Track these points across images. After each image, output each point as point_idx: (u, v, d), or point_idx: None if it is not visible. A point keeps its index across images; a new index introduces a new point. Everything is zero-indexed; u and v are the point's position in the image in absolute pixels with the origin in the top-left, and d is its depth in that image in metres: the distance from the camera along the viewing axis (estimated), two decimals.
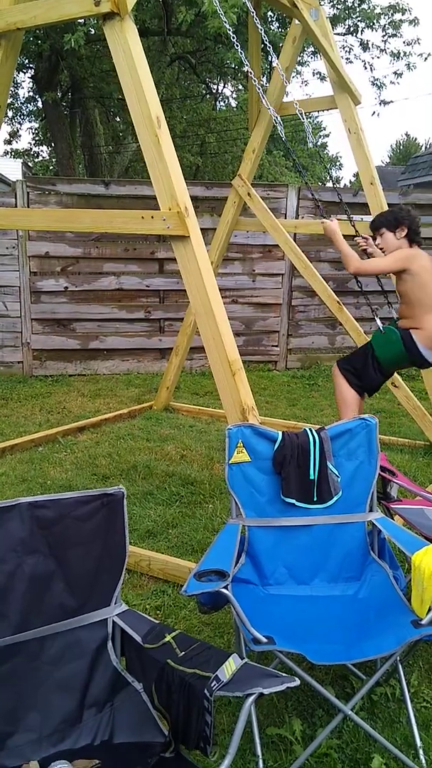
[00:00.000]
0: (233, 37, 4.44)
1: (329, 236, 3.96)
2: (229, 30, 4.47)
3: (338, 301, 5.48)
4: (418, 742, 2.24)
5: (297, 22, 5.14)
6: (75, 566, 1.89)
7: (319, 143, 38.76)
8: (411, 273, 3.57)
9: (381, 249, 3.84)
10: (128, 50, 3.10)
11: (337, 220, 4.13)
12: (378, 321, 4.01)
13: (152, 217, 3.18)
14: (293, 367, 8.63)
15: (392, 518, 3.08)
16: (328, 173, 33.01)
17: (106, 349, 8.12)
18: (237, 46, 4.33)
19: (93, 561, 1.92)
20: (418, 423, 5.28)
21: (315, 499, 2.61)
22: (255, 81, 4.95)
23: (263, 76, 10.32)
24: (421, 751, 2.23)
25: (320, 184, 36.28)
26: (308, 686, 2.13)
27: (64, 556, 1.87)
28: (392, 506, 3.02)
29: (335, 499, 2.61)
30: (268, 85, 5.64)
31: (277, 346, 8.58)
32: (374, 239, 3.88)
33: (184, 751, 1.81)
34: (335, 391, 4.00)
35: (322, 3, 11.97)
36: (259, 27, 4.57)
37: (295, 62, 5.53)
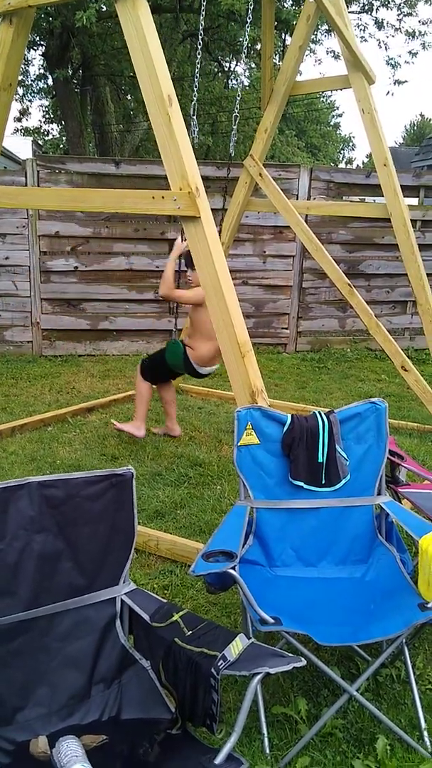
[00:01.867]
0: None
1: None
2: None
3: (349, 284, 5.44)
4: (423, 724, 2.26)
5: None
6: (83, 545, 1.91)
7: (332, 123, 38.42)
8: (199, 308, 4.46)
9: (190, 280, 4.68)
10: (140, 28, 3.06)
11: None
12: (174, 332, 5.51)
13: (163, 197, 3.16)
14: (303, 350, 8.61)
15: (400, 502, 3.09)
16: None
17: (116, 330, 8.12)
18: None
19: (101, 540, 1.94)
20: (428, 407, 5.26)
21: (323, 481, 2.61)
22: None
23: (276, 55, 10.19)
24: (425, 733, 2.25)
25: (333, 164, 36.03)
26: (314, 667, 2.14)
27: (72, 535, 1.89)
28: (400, 490, 3.02)
29: (343, 482, 2.62)
30: (281, 63, 5.57)
31: (287, 328, 8.55)
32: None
33: (190, 728, 1.83)
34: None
35: None
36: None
37: (308, 41, 5.46)
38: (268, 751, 2.17)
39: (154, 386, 5.06)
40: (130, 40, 3.12)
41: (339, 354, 8.41)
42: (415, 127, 43.67)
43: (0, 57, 3.55)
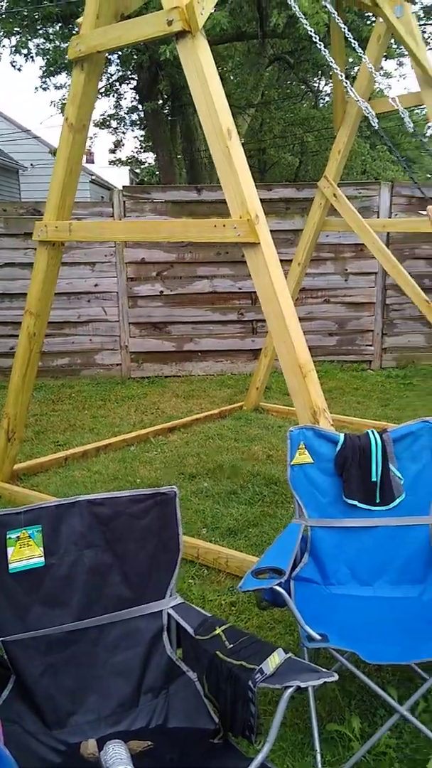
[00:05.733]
0: (318, 42, 4.47)
1: None
2: (313, 34, 4.49)
3: (427, 300, 5.38)
4: None
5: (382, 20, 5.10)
6: (130, 560, 2.03)
7: (428, 134, 37.62)
8: None
9: None
10: (200, 66, 3.21)
11: None
12: None
13: (224, 226, 3.27)
14: (388, 367, 8.50)
15: None
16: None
17: (200, 351, 8.31)
18: (321, 46, 4.38)
19: (148, 555, 2.05)
20: None
21: (378, 500, 2.63)
22: (341, 76, 4.96)
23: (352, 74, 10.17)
24: None
25: (428, 177, 35.23)
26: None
27: (120, 550, 2.01)
28: None
29: (398, 501, 2.63)
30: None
31: (371, 345, 8.48)
32: None
33: (232, 738, 1.90)
34: None
35: None
36: (342, 26, 4.56)
37: (381, 60, 5.48)
38: (320, 767, 2.20)
39: None
40: (190, 77, 3.28)
41: (426, 370, 8.25)
42: None
43: (74, 100, 3.80)
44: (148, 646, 2.04)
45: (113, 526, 2.00)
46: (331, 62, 4.69)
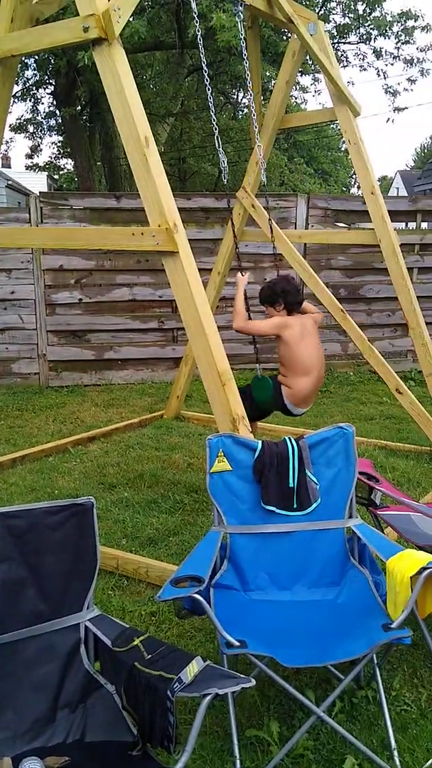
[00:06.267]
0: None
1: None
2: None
3: (342, 309, 5.53)
4: (393, 744, 2.29)
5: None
6: (46, 573, 1.99)
7: (343, 149, 38.75)
8: (282, 340, 4.11)
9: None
10: (116, 73, 3.21)
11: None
12: (258, 368, 4.53)
13: (142, 234, 3.27)
14: None
15: (379, 524, 3.14)
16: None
17: (120, 359, 8.25)
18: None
19: (64, 568, 2.02)
20: (423, 429, 5.29)
21: (295, 506, 2.67)
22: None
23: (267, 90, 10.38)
24: (395, 753, 2.28)
25: (344, 190, 36.25)
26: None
27: (35, 564, 1.96)
28: (379, 513, 3.07)
29: (314, 505, 2.68)
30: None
31: None
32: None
33: (150, 749, 1.89)
34: None
35: (334, 12, 12.05)
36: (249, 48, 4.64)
37: (295, 76, 5.63)
38: None
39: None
40: (107, 84, 3.28)
41: (342, 377, 8.46)
42: (426, 150, 43.98)
43: None
44: (65, 660, 2.01)
45: (28, 539, 1.95)
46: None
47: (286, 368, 4.19)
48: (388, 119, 12.94)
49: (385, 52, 12.08)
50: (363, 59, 12.36)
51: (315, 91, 33.05)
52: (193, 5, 3.86)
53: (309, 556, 2.68)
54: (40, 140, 18.37)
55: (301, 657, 2.21)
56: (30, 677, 1.96)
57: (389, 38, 11.67)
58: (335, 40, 12.14)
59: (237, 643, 2.13)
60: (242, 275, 4.39)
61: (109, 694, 2.00)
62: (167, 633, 3.06)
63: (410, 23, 11.46)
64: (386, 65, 11.73)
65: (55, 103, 15.53)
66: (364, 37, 11.98)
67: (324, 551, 2.68)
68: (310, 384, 4.18)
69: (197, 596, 2.10)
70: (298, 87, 15.79)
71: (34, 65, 13.58)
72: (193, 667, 1.82)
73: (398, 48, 11.92)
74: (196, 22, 4.30)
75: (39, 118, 17.43)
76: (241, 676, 1.78)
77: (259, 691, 2.60)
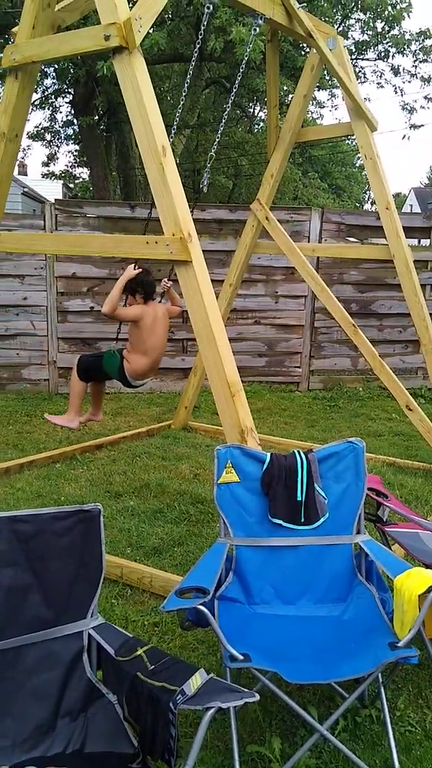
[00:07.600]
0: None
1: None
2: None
3: (353, 324, 5.52)
4: (397, 765, 2.26)
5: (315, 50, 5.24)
6: (52, 579, 1.97)
7: (357, 164, 38.89)
8: (136, 326, 4.76)
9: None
10: (136, 83, 3.22)
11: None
12: (114, 346, 5.17)
13: (156, 243, 3.28)
14: (315, 389, 8.65)
15: (386, 540, 3.11)
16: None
17: None
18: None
19: (69, 575, 2.00)
20: None
21: (302, 520, 2.65)
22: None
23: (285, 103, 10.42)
24: None
25: (357, 206, 36.32)
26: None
27: (41, 569, 1.95)
28: (387, 530, 3.04)
29: (322, 520, 2.65)
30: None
31: (299, 367, 8.61)
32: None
33: (150, 762, 1.86)
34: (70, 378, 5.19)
35: (353, 29, 12.11)
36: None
37: (313, 90, 5.62)
38: None
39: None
40: (126, 93, 3.28)
41: (351, 393, 8.43)
42: None
43: (6, 109, 3.75)
44: (68, 668, 1.99)
45: (34, 544, 1.94)
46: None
47: (132, 346, 4.86)
48: (404, 136, 12.91)
49: (403, 69, 12.12)
50: (381, 76, 12.41)
51: (332, 107, 33.24)
52: (205, 20, 3.85)
53: (315, 571, 2.65)
54: (56, 148, 18.54)
55: (306, 673, 2.18)
56: (31, 684, 1.93)
57: (407, 56, 11.72)
58: (353, 56, 12.20)
59: (241, 657, 2.11)
60: (134, 268, 4.74)
61: (111, 704, 1.98)
62: (170, 644, 3.03)
63: (428, 42, 11.52)
64: (403, 82, 11.86)
65: (72, 112, 15.65)
66: (382, 54, 12.03)
67: (331, 566, 2.65)
68: (146, 363, 4.82)
69: (202, 608, 2.08)
70: (314, 102, 15.86)
71: (54, 74, 13.69)
72: (197, 680, 1.80)
73: (416, 66, 11.98)
74: (201, 35, 4.29)
75: (56, 126, 17.61)
76: (245, 690, 1.76)
77: (262, 706, 2.57)
